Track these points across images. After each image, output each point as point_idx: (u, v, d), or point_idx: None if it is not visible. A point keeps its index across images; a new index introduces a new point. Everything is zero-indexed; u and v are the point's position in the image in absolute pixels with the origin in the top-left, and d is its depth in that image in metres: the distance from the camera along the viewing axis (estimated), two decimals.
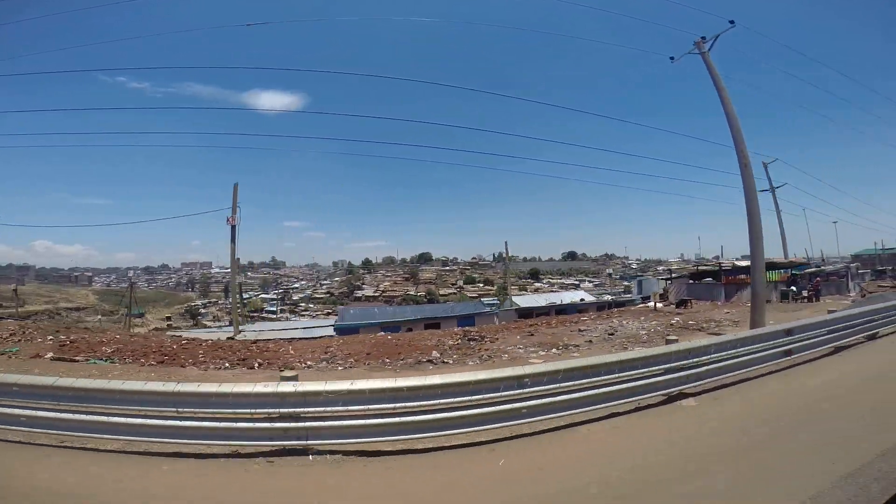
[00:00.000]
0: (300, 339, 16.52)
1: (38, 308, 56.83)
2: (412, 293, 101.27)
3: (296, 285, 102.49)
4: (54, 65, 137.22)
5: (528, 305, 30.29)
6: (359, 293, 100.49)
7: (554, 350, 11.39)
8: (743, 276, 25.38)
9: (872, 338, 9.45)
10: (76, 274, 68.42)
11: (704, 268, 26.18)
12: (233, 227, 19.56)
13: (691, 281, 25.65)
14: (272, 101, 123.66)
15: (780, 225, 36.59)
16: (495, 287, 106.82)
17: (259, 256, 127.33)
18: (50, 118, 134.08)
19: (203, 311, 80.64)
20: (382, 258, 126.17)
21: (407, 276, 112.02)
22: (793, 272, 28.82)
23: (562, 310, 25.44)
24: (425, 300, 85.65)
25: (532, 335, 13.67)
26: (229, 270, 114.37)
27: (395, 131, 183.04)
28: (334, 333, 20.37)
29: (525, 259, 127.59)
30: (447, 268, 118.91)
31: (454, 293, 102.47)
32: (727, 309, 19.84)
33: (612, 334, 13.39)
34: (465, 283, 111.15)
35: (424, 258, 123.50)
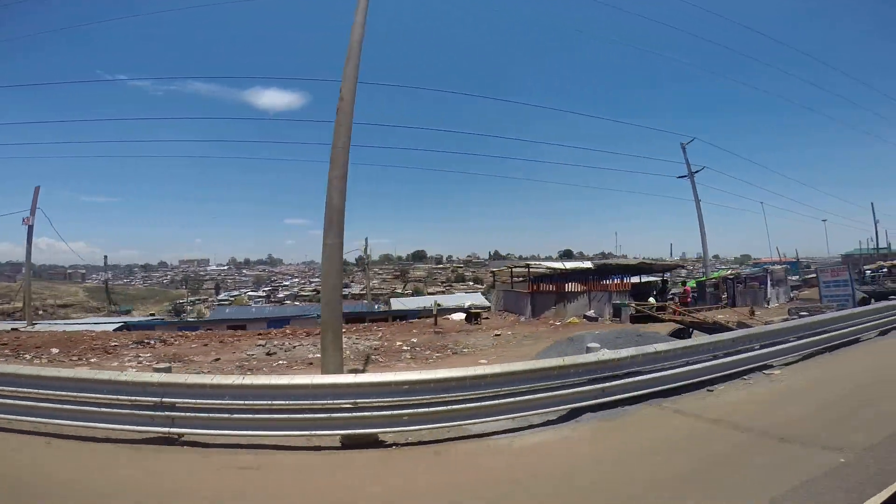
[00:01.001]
0: (46, 332, 16.97)
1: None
2: (399, 290, 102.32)
3: (286, 283, 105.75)
4: (56, 62, 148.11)
5: (397, 308, 29.86)
6: (345, 290, 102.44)
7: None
8: (569, 286, 22.27)
9: None
10: (70, 271, 74.04)
11: (519, 270, 23.01)
12: (29, 228, 20.55)
13: (517, 289, 23.08)
14: (273, 98, 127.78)
15: (699, 216, 31.89)
16: (484, 285, 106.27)
17: (256, 254, 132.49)
18: (53, 116, 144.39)
19: (189, 307, 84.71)
20: (380, 255, 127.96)
21: (397, 273, 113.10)
22: (663, 278, 26.24)
23: (402, 316, 24.48)
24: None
25: (152, 347, 13.55)
26: (225, 267, 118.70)
27: (396, 131, 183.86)
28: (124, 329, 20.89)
29: (521, 257, 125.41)
30: (440, 266, 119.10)
31: (442, 291, 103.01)
32: (519, 329, 16.88)
33: (216, 360, 12.44)
34: (455, 280, 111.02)
35: (418, 256, 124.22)
